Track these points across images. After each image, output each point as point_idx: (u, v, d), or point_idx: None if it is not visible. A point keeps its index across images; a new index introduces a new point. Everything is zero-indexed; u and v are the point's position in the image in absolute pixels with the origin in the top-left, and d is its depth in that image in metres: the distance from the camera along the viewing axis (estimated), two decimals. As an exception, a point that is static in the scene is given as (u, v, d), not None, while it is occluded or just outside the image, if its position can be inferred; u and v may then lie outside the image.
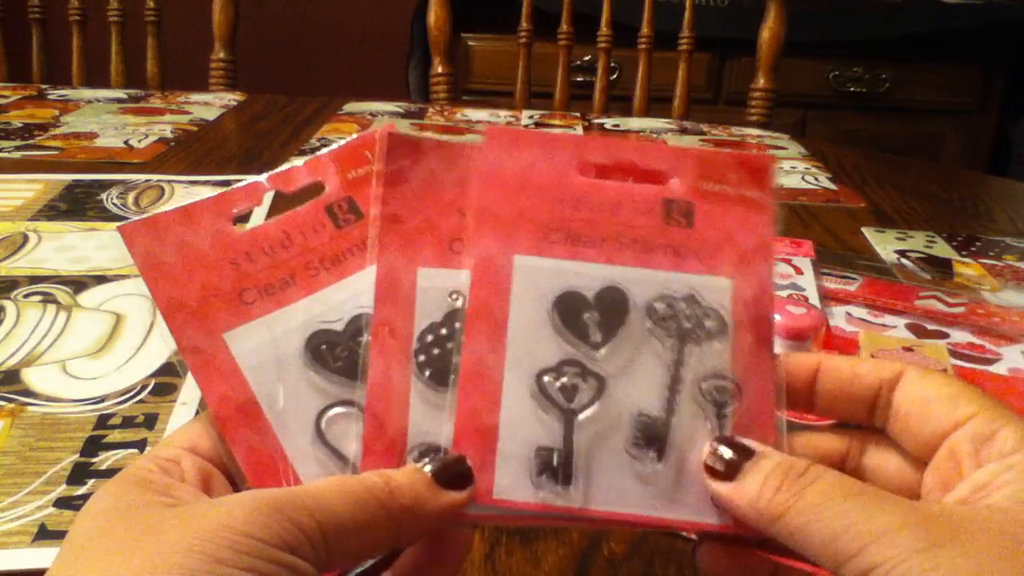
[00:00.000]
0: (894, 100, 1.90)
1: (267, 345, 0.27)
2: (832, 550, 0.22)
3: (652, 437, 0.26)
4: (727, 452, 0.25)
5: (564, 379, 0.26)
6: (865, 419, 0.27)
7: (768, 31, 1.17)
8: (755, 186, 0.28)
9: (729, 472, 0.25)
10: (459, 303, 0.27)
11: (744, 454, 0.25)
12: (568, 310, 0.27)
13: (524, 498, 0.25)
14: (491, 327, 0.26)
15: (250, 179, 0.29)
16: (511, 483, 0.25)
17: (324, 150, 0.29)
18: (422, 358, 0.26)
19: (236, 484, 0.26)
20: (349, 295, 0.28)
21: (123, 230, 0.27)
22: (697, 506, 0.26)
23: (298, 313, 0.27)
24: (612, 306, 0.27)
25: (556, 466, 0.25)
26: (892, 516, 0.22)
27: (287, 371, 0.27)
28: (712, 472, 0.25)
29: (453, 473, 0.25)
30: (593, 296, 0.27)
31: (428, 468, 0.25)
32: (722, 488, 0.25)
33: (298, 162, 0.29)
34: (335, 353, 0.27)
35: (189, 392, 0.45)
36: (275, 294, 0.27)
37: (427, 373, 0.26)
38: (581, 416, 0.26)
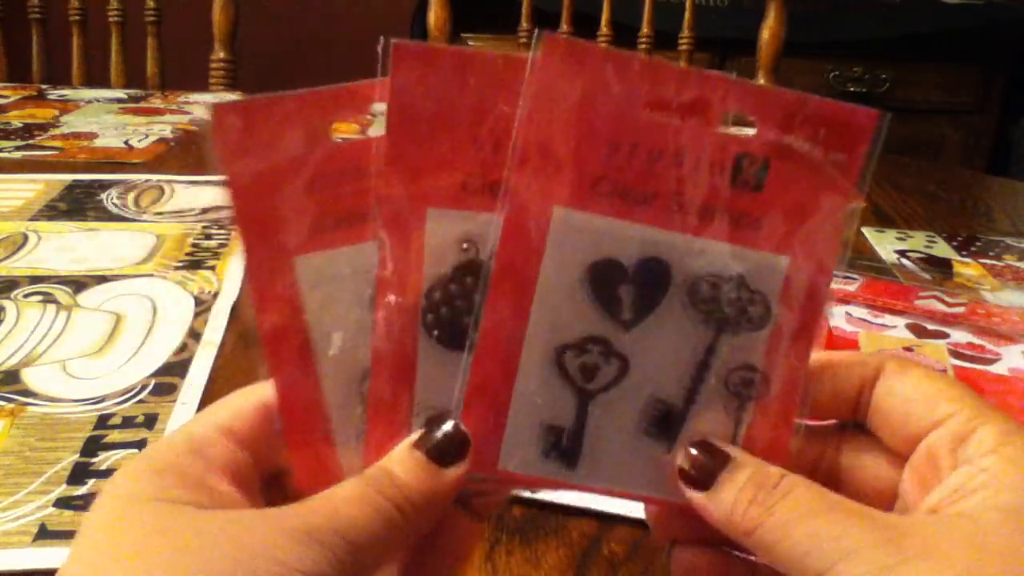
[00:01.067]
0: (894, 100, 1.90)
1: (333, 282, 0.24)
2: (801, 567, 0.22)
3: (667, 425, 0.25)
4: (702, 458, 0.25)
5: (586, 357, 0.24)
6: (848, 417, 0.26)
7: (768, 31, 1.17)
8: (844, 148, 0.24)
9: (704, 481, 0.24)
10: (471, 254, 0.24)
11: (719, 461, 0.24)
12: (602, 280, 0.24)
13: (528, 473, 0.24)
14: (517, 290, 0.24)
15: (364, 82, 0.25)
16: (517, 458, 0.24)
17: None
18: (429, 317, 0.24)
19: (265, 477, 0.25)
20: None
21: (217, 111, 0.23)
22: None
23: (371, 253, 0.24)
24: (651, 281, 0.24)
25: (564, 447, 0.24)
26: (862, 533, 0.21)
27: (347, 316, 0.24)
28: (687, 479, 0.25)
29: (450, 449, 0.24)
30: (632, 267, 0.24)
31: (423, 451, 0.24)
32: (697, 497, 0.24)
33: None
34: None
35: (189, 392, 0.45)
36: (355, 226, 0.24)
37: (435, 334, 0.24)
38: (597, 398, 0.25)
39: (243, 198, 0.24)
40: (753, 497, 0.23)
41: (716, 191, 0.24)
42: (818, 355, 0.26)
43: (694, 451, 0.25)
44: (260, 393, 0.25)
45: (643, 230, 0.24)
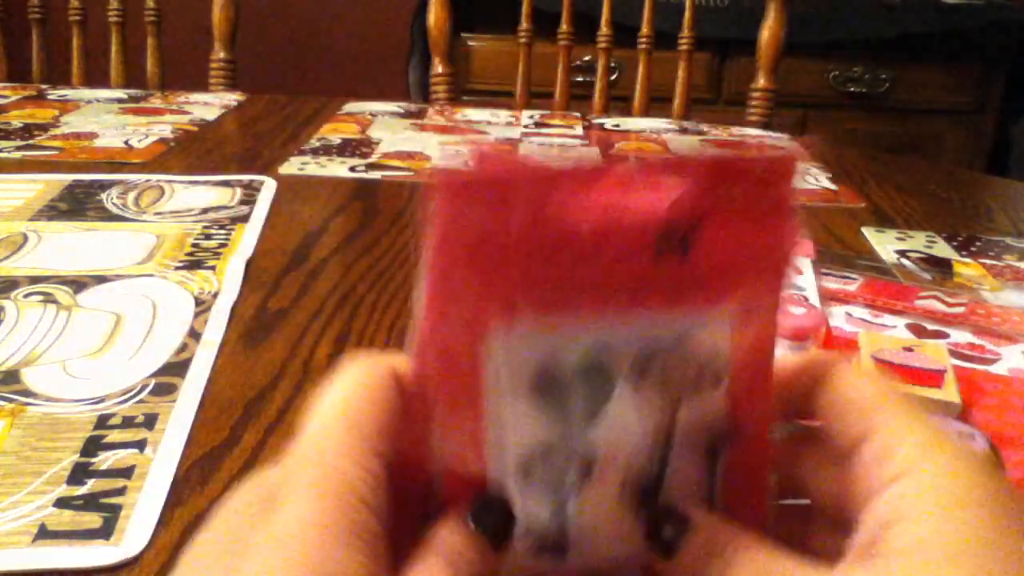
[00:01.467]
0: (894, 100, 1.90)
1: (522, 362, 0.23)
2: None
3: (645, 496, 0.25)
4: (663, 525, 0.24)
5: (550, 465, 0.24)
6: (808, 417, 0.26)
7: (768, 31, 1.17)
8: (771, 192, 0.24)
9: (668, 552, 0.24)
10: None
11: (680, 527, 0.24)
12: (548, 389, 0.23)
13: (525, 570, 0.25)
14: (468, 421, 0.23)
15: (592, 159, 0.23)
16: (510, 563, 0.24)
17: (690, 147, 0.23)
18: None
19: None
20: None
21: (443, 183, 0.21)
22: None
23: (571, 338, 0.23)
24: (597, 375, 0.24)
25: (551, 545, 0.25)
26: None
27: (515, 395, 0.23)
28: (651, 547, 0.24)
29: (502, 526, 0.24)
30: (575, 368, 0.23)
31: (478, 525, 0.23)
32: (660, 566, 0.24)
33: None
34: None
35: (189, 392, 0.45)
36: (553, 309, 0.23)
37: None
38: (571, 497, 0.25)
39: (447, 264, 0.22)
40: (706, 565, 0.23)
41: (642, 269, 0.23)
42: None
43: (659, 525, 0.24)
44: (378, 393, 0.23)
45: (577, 329, 0.23)
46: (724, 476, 0.25)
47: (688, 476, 0.25)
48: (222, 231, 0.66)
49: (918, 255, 0.69)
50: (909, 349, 0.49)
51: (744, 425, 0.25)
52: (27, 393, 0.44)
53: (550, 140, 1.00)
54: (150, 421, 0.42)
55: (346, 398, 0.22)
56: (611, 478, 0.24)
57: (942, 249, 0.71)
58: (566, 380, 0.23)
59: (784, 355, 0.26)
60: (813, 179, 0.88)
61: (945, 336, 0.55)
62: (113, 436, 0.41)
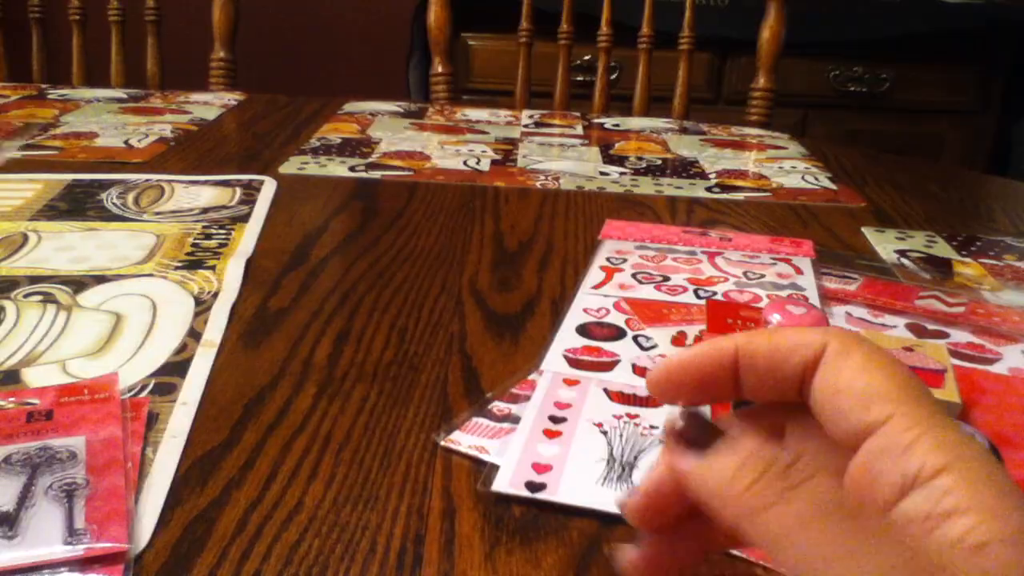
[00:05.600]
0: (894, 100, 1.90)
1: None
2: (802, 572, 0.20)
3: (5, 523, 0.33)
4: (696, 422, 0.23)
5: None
6: (796, 399, 0.24)
7: (768, 31, 1.17)
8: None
9: (700, 443, 0.22)
10: None
11: (713, 432, 0.23)
12: None
13: None
14: None
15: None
16: None
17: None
18: None
19: None
20: None
21: None
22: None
23: None
24: None
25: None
26: (881, 559, 0.20)
27: None
28: (678, 439, 0.23)
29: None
30: None
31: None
32: (687, 462, 0.22)
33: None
34: None
35: (189, 392, 0.45)
36: None
37: None
38: None
39: None
40: (760, 475, 0.21)
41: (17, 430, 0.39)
42: (753, 338, 0.25)
43: (687, 411, 0.23)
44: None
45: None
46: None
47: (50, 515, 0.35)
48: (222, 231, 0.66)
49: (918, 255, 0.69)
50: (909, 349, 0.49)
51: (98, 482, 0.36)
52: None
53: (550, 140, 1.00)
54: (150, 421, 0.42)
55: None
56: None
57: (942, 249, 0.71)
58: None
59: (769, 335, 0.25)
60: (813, 179, 0.88)
61: (945, 336, 0.55)
62: (113, 436, 0.41)
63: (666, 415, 0.23)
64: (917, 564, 0.19)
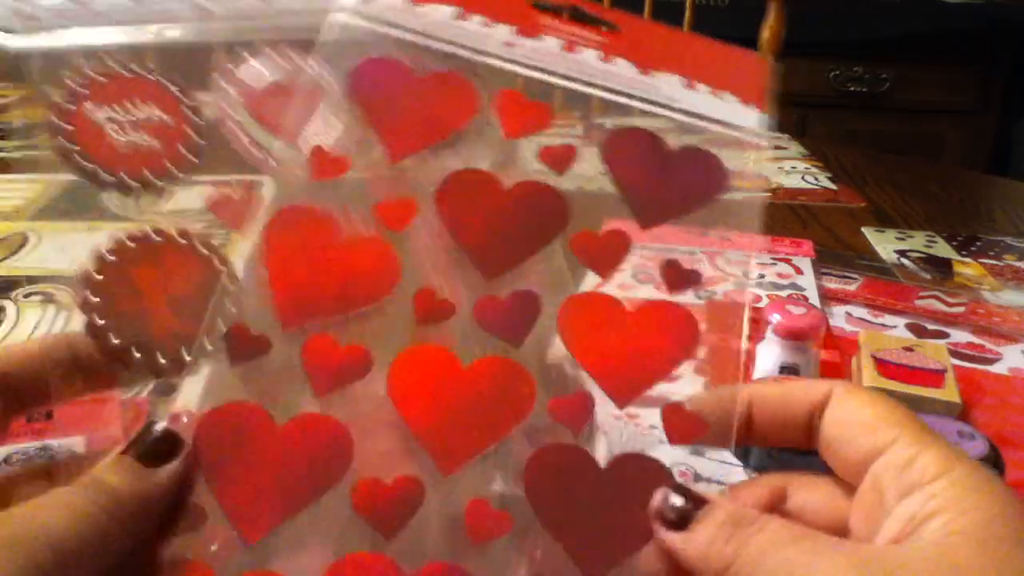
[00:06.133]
0: (894, 100, 1.90)
1: None
2: None
3: None
4: (679, 501, 0.25)
5: None
6: (804, 444, 0.27)
7: (768, 31, 1.17)
8: None
9: (681, 522, 0.25)
10: None
11: (696, 503, 0.25)
12: None
13: None
14: None
15: None
16: None
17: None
18: None
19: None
20: None
21: None
22: None
23: None
24: None
25: None
26: (833, 561, 0.22)
27: None
28: (663, 520, 0.25)
29: (160, 450, 0.25)
30: None
31: (133, 456, 0.24)
32: (673, 538, 0.25)
33: None
34: None
35: (189, 391, 0.45)
36: None
37: None
38: None
39: None
40: (731, 534, 0.23)
41: None
42: (765, 386, 0.27)
43: (671, 494, 0.25)
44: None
45: None
46: None
47: None
48: (222, 231, 0.66)
49: (918, 255, 0.69)
50: (909, 349, 0.49)
51: None
52: (27, 393, 0.44)
53: (549, 140, 0.99)
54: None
55: None
56: None
57: (942, 249, 0.71)
58: None
59: (779, 384, 0.28)
60: (813, 179, 0.88)
61: (945, 336, 0.55)
62: (113, 436, 0.41)
63: (657, 495, 0.26)
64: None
